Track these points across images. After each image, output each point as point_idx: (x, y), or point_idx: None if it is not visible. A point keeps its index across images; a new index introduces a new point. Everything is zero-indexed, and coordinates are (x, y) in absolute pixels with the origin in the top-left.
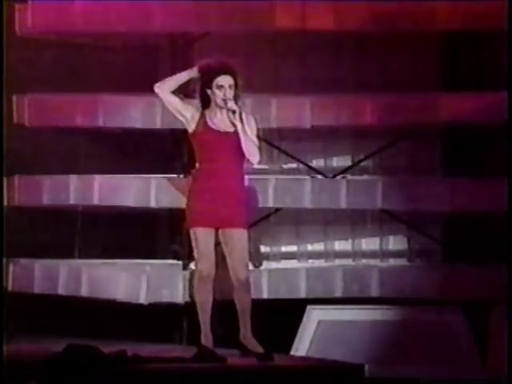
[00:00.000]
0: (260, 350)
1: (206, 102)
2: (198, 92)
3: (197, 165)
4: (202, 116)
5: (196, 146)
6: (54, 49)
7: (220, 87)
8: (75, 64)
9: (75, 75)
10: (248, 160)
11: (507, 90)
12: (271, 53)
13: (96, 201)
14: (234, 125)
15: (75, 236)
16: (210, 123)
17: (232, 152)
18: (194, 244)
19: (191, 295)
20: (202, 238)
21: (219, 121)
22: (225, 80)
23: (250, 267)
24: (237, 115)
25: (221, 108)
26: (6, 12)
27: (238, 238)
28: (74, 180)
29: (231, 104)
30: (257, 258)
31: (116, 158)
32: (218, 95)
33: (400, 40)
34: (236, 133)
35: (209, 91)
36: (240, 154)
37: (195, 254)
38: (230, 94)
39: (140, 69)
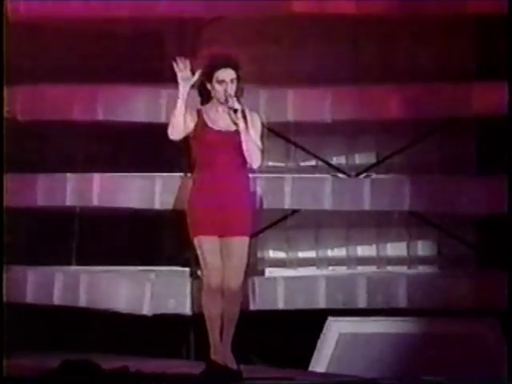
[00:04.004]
0: (234, 366)
1: (205, 97)
2: (197, 86)
3: (196, 169)
4: (200, 115)
5: (195, 149)
6: (49, 36)
7: (221, 82)
8: (73, 52)
9: (73, 64)
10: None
11: (507, 82)
12: (287, 40)
13: (95, 202)
14: (235, 124)
15: (72, 240)
16: (208, 122)
17: (234, 153)
18: (199, 254)
19: (197, 307)
20: (208, 247)
21: (220, 118)
22: (226, 74)
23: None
24: (239, 113)
25: (222, 104)
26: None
27: (237, 246)
28: (71, 179)
29: (232, 102)
30: (259, 266)
31: (117, 155)
32: (218, 90)
33: (428, 24)
34: (238, 132)
35: (209, 85)
36: (243, 155)
37: (202, 264)
38: (232, 88)
39: (144, 57)
